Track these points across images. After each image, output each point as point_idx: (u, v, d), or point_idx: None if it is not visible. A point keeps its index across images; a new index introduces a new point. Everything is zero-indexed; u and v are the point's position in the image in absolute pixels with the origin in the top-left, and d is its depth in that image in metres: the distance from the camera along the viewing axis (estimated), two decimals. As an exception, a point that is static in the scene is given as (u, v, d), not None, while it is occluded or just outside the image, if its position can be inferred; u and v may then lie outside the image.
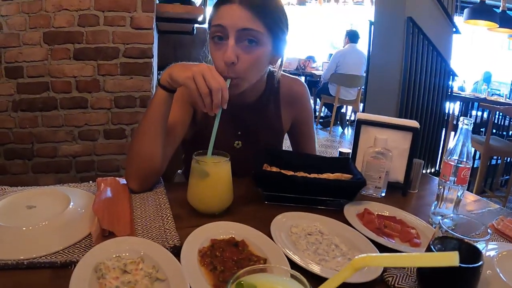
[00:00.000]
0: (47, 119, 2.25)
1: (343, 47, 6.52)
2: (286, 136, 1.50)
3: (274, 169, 1.19)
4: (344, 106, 7.03)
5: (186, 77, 0.96)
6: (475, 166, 3.82)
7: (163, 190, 1.11)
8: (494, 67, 9.21)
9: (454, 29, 4.24)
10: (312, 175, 1.17)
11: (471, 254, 0.66)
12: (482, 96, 5.52)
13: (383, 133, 1.29)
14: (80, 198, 0.98)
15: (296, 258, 0.79)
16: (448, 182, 1.05)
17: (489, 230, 0.70)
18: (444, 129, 4.53)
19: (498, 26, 4.36)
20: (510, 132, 5.19)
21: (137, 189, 1.09)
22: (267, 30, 1.09)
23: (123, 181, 1.12)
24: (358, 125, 1.34)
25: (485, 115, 4.96)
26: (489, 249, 0.90)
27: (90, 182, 1.14)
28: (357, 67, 6.16)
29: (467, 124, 1.04)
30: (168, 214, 0.96)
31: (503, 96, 6.75)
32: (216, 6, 1.11)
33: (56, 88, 2.22)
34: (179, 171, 1.61)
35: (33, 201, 0.94)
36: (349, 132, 7.06)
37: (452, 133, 4.43)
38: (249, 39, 1.07)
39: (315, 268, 0.77)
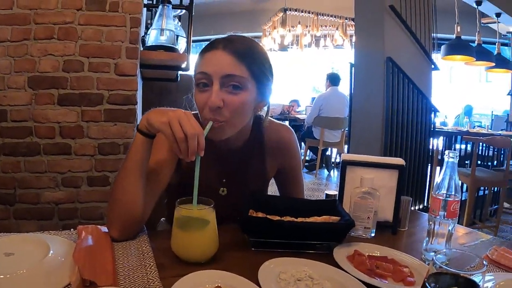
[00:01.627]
0: (30, 165, 2.20)
1: (325, 90, 6.62)
2: (272, 180, 1.48)
3: (260, 214, 1.16)
4: (329, 149, 7.07)
5: (161, 122, 0.96)
6: (463, 198, 3.82)
7: (146, 238, 1.07)
8: (474, 99, 9.45)
9: (432, 66, 4.34)
10: (299, 219, 1.15)
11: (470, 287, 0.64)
12: (465, 129, 5.61)
13: (369, 172, 1.28)
14: (61, 246, 0.94)
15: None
16: (438, 217, 1.04)
17: (484, 262, 0.68)
18: (429, 164, 4.56)
19: (475, 59, 4.48)
20: (495, 162, 5.24)
21: (118, 237, 1.05)
22: (251, 76, 1.11)
23: (104, 229, 1.09)
24: (343, 166, 1.33)
25: (469, 147, 5.02)
26: (486, 280, 0.89)
27: (72, 230, 1.10)
28: (339, 109, 6.26)
29: (452, 157, 1.04)
30: (152, 263, 0.92)
31: (485, 127, 6.88)
32: (201, 53, 1.14)
33: (39, 133, 2.19)
34: (162, 219, 1.57)
35: (12, 248, 0.90)
36: (335, 174, 7.06)
37: (438, 168, 4.46)
38: (233, 84, 1.09)
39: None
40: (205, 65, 1.10)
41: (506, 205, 4.53)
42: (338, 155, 7.27)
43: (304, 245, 1.07)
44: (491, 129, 6.81)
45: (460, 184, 1.04)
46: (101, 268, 0.85)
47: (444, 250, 1.02)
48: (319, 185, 6.15)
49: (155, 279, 0.84)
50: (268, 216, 1.13)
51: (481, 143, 4.52)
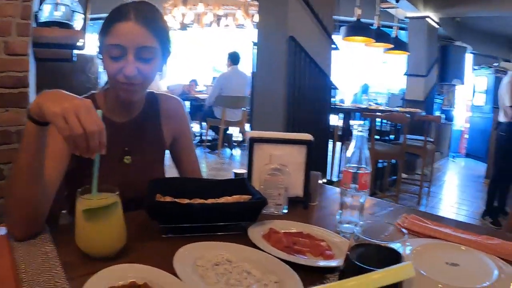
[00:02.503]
0: None
1: (227, 69, 6.60)
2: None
3: (168, 198, 1.08)
4: (230, 128, 7.08)
5: (54, 114, 0.81)
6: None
7: (48, 236, 0.95)
8: (371, 79, 10.05)
9: (333, 46, 4.49)
10: (209, 201, 1.09)
11: (391, 256, 0.64)
12: (363, 106, 5.91)
13: (277, 149, 1.28)
14: None
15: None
16: (350, 190, 1.05)
17: (404, 230, 0.68)
18: (329, 140, 4.75)
19: (374, 41, 4.71)
20: (392, 137, 5.61)
21: (23, 237, 0.93)
22: (159, 44, 1.17)
23: (1, 231, 0.95)
24: (251, 143, 1.30)
25: (367, 123, 5.32)
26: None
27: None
28: (241, 89, 6.26)
29: (361, 131, 1.05)
30: (57, 264, 0.82)
31: (381, 105, 7.35)
32: (112, 22, 1.11)
33: None
34: (63, 211, 1.43)
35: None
36: (237, 153, 7.09)
37: (338, 143, 4.67)
38: (146, 54, 1.13)
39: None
40: (119, 37, 1.10)
41: (403, 175, 4.89)
42: (240, 133, 7.32)
43: (217, 228, 1.02)
44: (387, 106, 7.28)
45: (369, 157, 1.05)
46: (0, 278, 0.74)
47: (360, 222, 1.04)
48: (222, 164, 6.15)
49: (62, 282, 0.75)
50: (176, 200, 1.06)
51: (378, 118, 4.81)
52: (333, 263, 0.88)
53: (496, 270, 0.86)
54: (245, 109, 6.36)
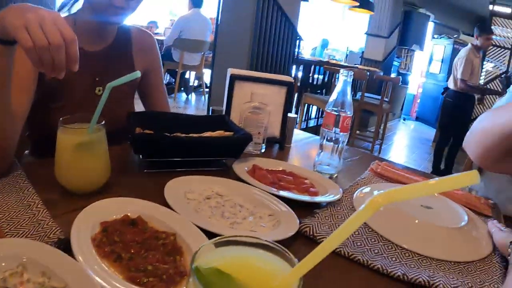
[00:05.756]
0: None
1: (188, 11, 6.37)
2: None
3: (149, 132, 1.05)
4: (188, 72, 6.94)
5: (16, 27, 0.72)
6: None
7: (20, 173, 0.87)
8: (331, 35, 10.04)
9: (303, -3, 4.46)
10: (191, 135, 1.07)
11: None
12: (325, 60, 5.94)
13: (259, 88, 1.27)
14: None
15: (208, 227, 0.70)
16: (332, 131, 1.07)
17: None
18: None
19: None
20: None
21: None
22: None
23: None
24: (231, 80, 1.29)
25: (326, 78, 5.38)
26: (379, 190, 0.99)
27: None
28: (201, 32, 6.06)
29: (346, 75, 1.06)
30: (37, 201, 0.75)
31: (341, 61, 7.42)
32: None
33: None
34: (26, 151, 1.36)
35: None
36: (193, 98, 6.99)
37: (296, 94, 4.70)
38: None
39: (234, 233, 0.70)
40: None
41: (357, 131, 5.03)
42: (196, 79, 7.18)
43: (200, 163, 1.02)
44: (346, 63, 7.36)
45: (351, 102, 1.08)
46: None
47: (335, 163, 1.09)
48: (177, 108, 6.00)
49: (46, 219, 0.69)
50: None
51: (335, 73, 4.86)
52: (320, 198, 0.92)
53: (466, 216, 0.93)
54: (204, 53, 6.20)
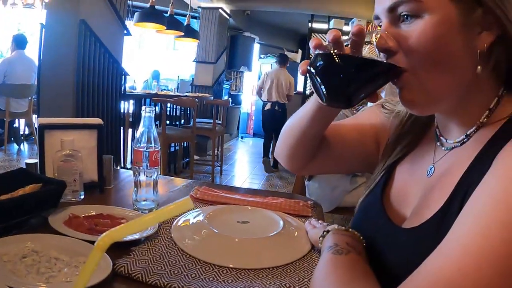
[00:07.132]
0: None
1: (11, 54, 5.87)
2: None
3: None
4: (17, 120, 6.37)
5: None
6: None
7: None
8: (162, 65, 10.20)
9: (125, 31, 4.45)
10: (2, 197, 0.99)
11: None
12: (154, 92, 5.98)
13: (68, 134, 1.26)
14: None
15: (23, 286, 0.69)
16: (142, 168, 1.12)
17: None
18: (121, 127, 4.72)
19: (165, 28, 4.79)
20: (182, 121, 5.85)
21: None
22: None
23: None
24: (41, 130, 1.26)
25: (158, 109, 5.42)
26: (195, 216, 1.06)
27: None
28: (26, 76, 5.65)
29: (149, 112, 1.13)
30: None
31: (172, 90, 7.55)
32: None
33: None
34: None
35: None
36: (25, 148, 6.48)
37: (130, 130, 4.67)
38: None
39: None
40: None
41: (196, 157, 5.17)
42: (26, 126, 6.65)
43: (17, 223, 0.96)
44: (177, 91, 7.51)
45: (157, 136, 1.15)
46: None
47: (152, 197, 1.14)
48: (10, 161, 5.49)
49: None
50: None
51: (169, 104, 4.95)
52: (135, 236, 0.94)
53: (282, 222, 1.05)
54: (31, 98, 5.76)
